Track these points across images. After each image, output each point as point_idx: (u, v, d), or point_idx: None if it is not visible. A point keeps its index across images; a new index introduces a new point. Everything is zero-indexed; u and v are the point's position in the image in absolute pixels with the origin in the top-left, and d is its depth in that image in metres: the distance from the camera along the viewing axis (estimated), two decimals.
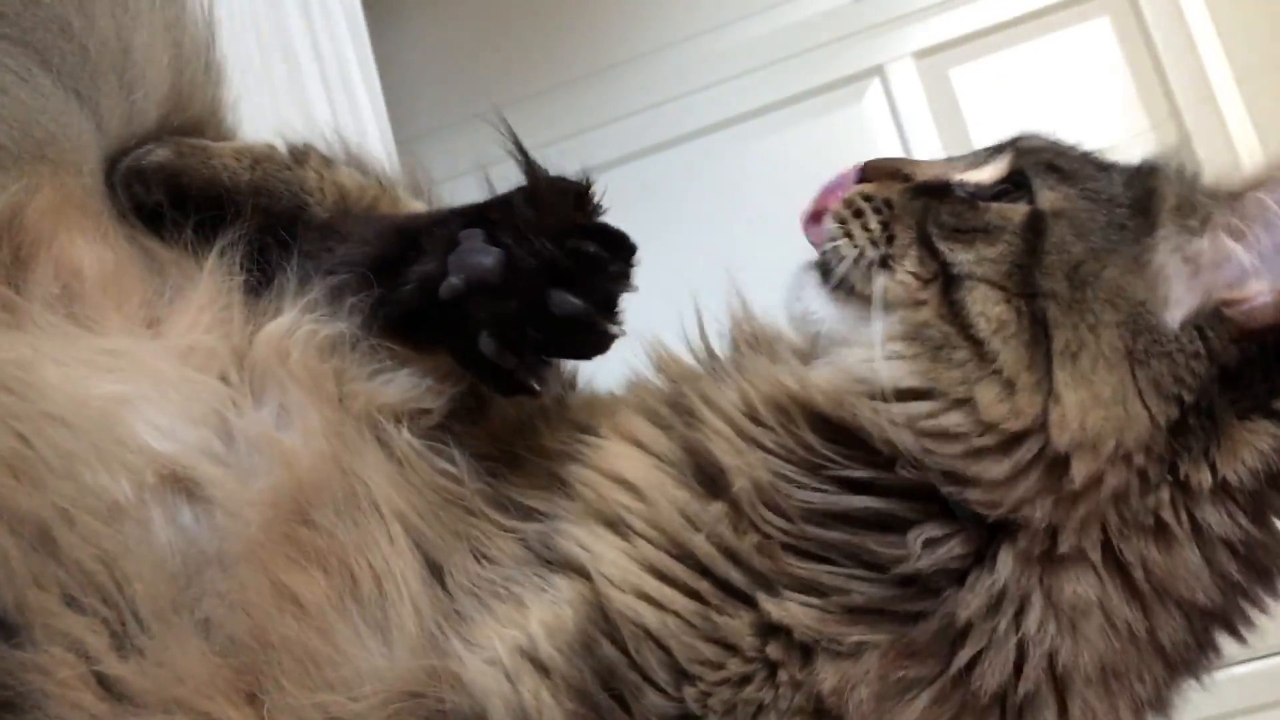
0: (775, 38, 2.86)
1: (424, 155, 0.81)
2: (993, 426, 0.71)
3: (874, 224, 0.83)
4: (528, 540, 0.79)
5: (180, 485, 0.70)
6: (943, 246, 0.79)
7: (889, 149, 2.77)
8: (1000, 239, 0.78)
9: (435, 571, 0.76)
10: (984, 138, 2.74)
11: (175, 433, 0.72)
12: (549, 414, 0.91)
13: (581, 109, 2.86)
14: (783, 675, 0.70)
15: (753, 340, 0.84)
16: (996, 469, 0.71)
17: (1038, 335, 0.73)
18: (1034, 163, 0.83)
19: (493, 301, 0.74)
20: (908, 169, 0.88)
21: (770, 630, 0.71)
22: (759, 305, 0.87)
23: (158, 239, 0.83)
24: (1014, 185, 0.83)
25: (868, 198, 0.84)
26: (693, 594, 0.73)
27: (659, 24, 2.95)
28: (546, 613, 0.74)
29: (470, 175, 0.86)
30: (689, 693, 0.70)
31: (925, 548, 0.70)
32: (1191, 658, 0.73)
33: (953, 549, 0.70)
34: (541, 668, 0.71)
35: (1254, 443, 0.70)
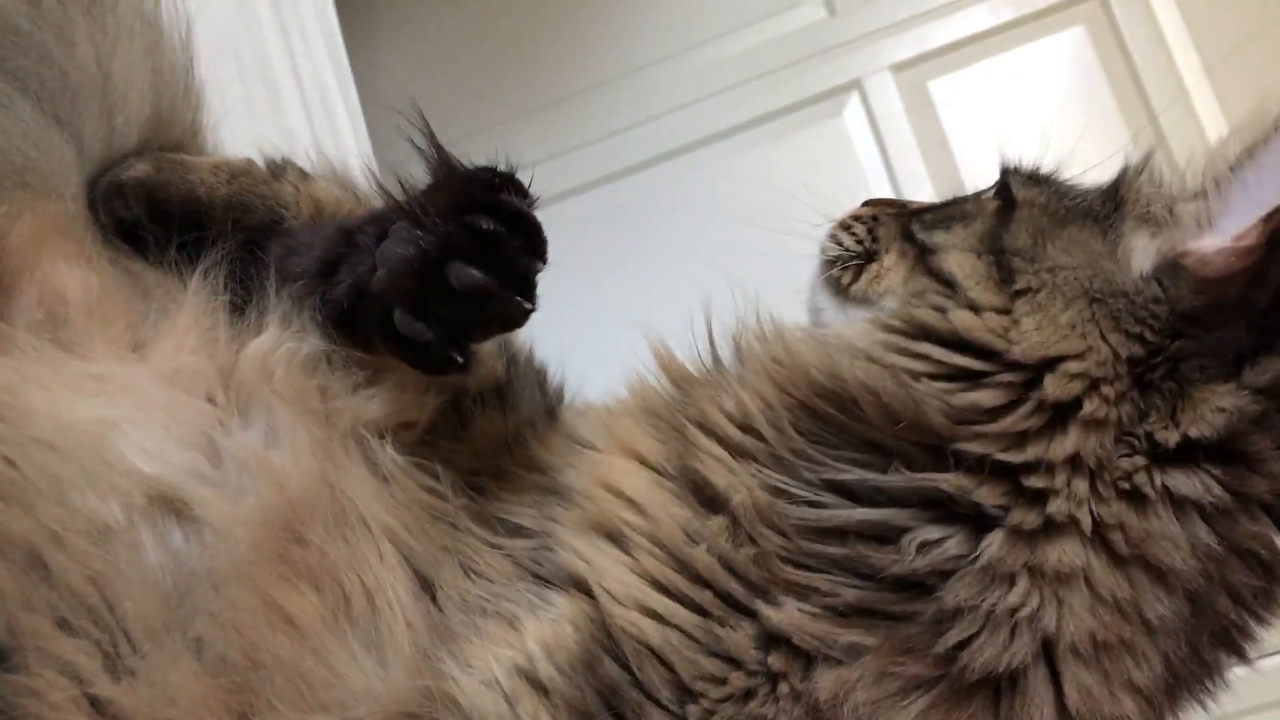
0: (753, 54, 2.87)
1: (408, 177, 0.81)
2: (967, 341, 0.76)
3: (859, 229, 0.96)
4: (516, 557, 0.79)
5: (170, 506, 0.70)
6: (922, 234, 0.89)
7: (870, 162, 2.79)
8: (975, 220, 0.87)
9: (426, 587, 0.76)
10: (964, 148, 2.77)
11: (163, 455, 0.72)
12: (537, 427, 0.91)
13: (561, 131, 2.87)
14: (783, 687, 0.69)
15: (759, 340, 0.84)
16: (983, 396, 0.74)
17: (1004, 279, 0.79)
18: (1015, 175, 0.91)
19: (400, 279, 0.75)
20: (904, 202, 1.02)
21: (771, 640, 0.70)
22: (749, 316, 0.87)
23: (141, 260, 0.83)
24: (996, 195, 0.91)
25: (857, 217, 0.99)
26: (695, 607, 0.73)
27: (636, 45, 2.96)
28: (545, 631, 0.73)
29: None
30: (692, 710, 0.70)
31: (919, 550, 0.70)
32: (1183, 652, 0.72)
33: (947, 550, 0.70)
34: (540, 688, 0.71)
35: (1217, 402, 0.71)
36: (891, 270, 0.90)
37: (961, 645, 0.69)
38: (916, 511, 0.72)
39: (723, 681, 0.70)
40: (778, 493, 0.74)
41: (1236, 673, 0.77)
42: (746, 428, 0.78)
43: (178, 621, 0.67)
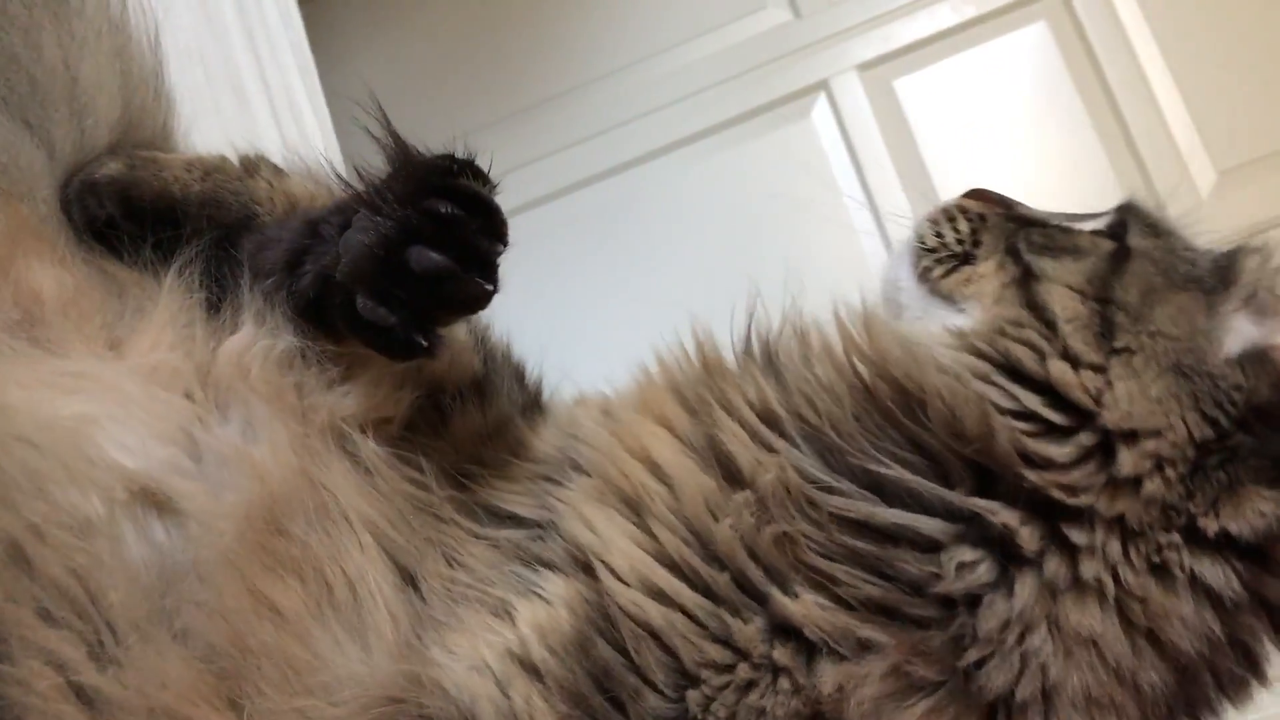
0: (719, 58, 2.89)
1: (367, 167, 0.82)
2: (1058, 392, 0.76)
3: (963, 226, 0.94)
4: (502, 546, 0.79)
5: (151, 501, 0.70)
6: (1029, 256, 0.87)
7: (839, 162, 2.80)
8: (1086, 259, 0.85)
9: (408, 578, 0.76)
10: (931, 146, 2.79)
11: (144, 450, 0.72)
12: (519, 420, 0.91)
13: (527, 140, 2.88)
14: (784, 682, 0.70)
15: (799, 337, 0.85)
16: (1058, 450, 0.75)
17: (1105, 333, 0.79)
18: (1135, 218, 0.91)
19: (362, 265, 0.76)
20: (1012, 202, 0.99)
21: (779, 632, 0.71)
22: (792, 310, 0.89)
23: (116, 260, 0.83)
24: (1109, 234, 0.90)
25: (964, 209, 0.96)
26: (704, 589, 0.73)
27: (600, 52, 2.97)
28: (539, 613, 0.73)
29: None
30: (692, 696, 0.70)
31: (958, 571, 0.72)
32: (1160, 716, 0.74)
33: (980, 575, 0.72)
34: (533, 671, 0.71)
35: (1260, 505, 0.73)
36: (985, 279, 0.89)
37: (976, 664, 0.71)
38: (950, 526, 0.73)
39: (728, 669, 0.70)
40: (809, 477, 0.75)
41: None
42: (768, 417, 0.79)
43: (162, 612, 0.67)
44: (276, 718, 0.67)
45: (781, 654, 0.70)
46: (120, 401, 0.74)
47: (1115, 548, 0.73)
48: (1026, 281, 0.85)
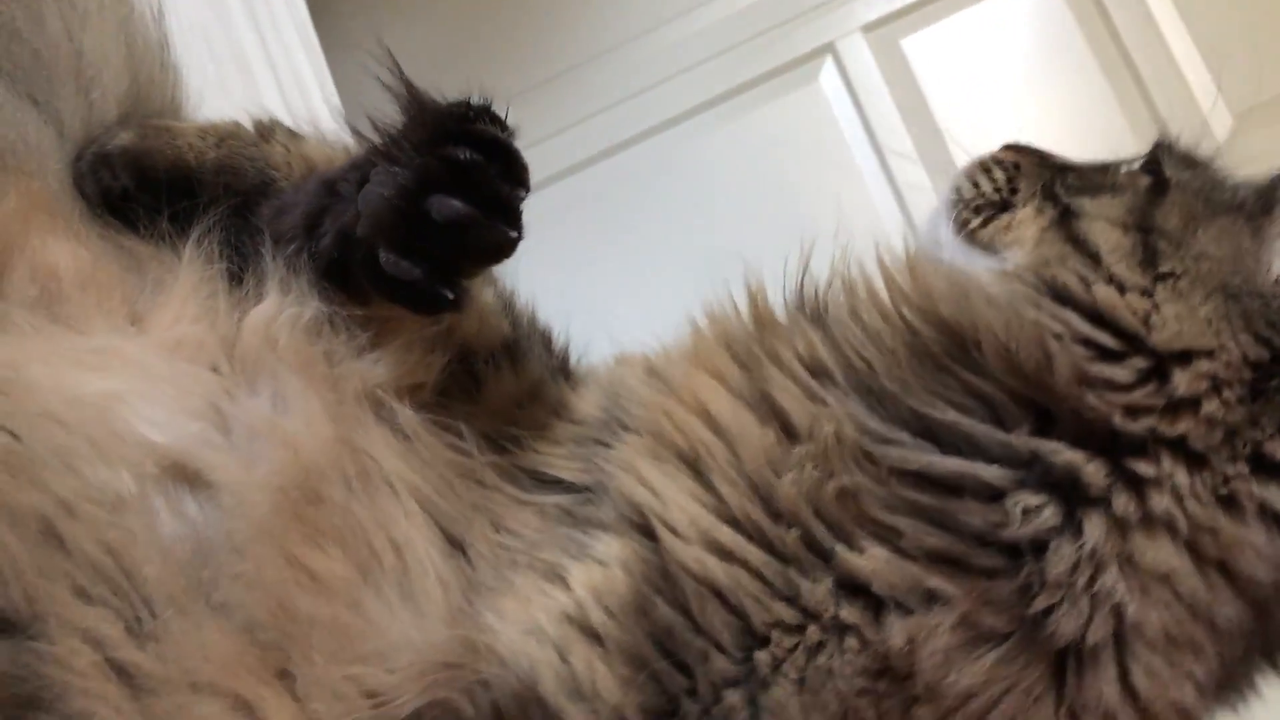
0: (722, 27, 2.86)
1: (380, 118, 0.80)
2: (1105, 316, 0.76)
3: (999, 175, 0.95)
4: (548, 511, 0.78)
5: (183, 475, 0.68)
6: (1067, 197, 0.88)
7: (849, 125, 2.77)
8: (1124, 194, 0.86)
9: (456, 544, 0.74)
10: (942, 104, 2.75)
11: (173, 425, 0.70)
12: (553, 383, 0.89)
13: (537, 117, 2.85)
14: (851, 640, 0.68)
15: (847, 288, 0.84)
16: (1116, 371, 0.74)
17: (1148, 260, 0.78)
18: (1169, 154, 0.90)
19: (382, 219, 0.73)
20: (1046, 152, 0.99)
21: (846, 589, 0.69)
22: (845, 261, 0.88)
23: (132, 234, 0.81)
24: (1146, 170, 0.90)
25: (999, 160, 0.97)
26: (768, 545, 0.71)
27: (602, 27, 2.94)
28: (594, 575, 0.71)
29: None
30: (760, 657, 0.68)
31: (1024, 516, 0.70)
32: (1237, 655, 0.73)
33: (1046, 520, 0.70)
34: (592, 635, 0.69)
35: None
36: (1024, 224, 0.89)
37: (1044, 612, 0.69)
38: (1011, 472, 0.72)
39: (798, 630, 0.68)
40: (864, 429, 0.73)
41: None
42: (818, 370, 0.77)
43: (200, 586, 0.65)
44: (328, 686, 0.65)
45: (849, 612, 0.68)
46: (146, 377, 0.72)
47: (1183, 479, 0.71)
48: (1066, 220, 0.85)
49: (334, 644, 0.66)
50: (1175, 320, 0.75)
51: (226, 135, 0.87)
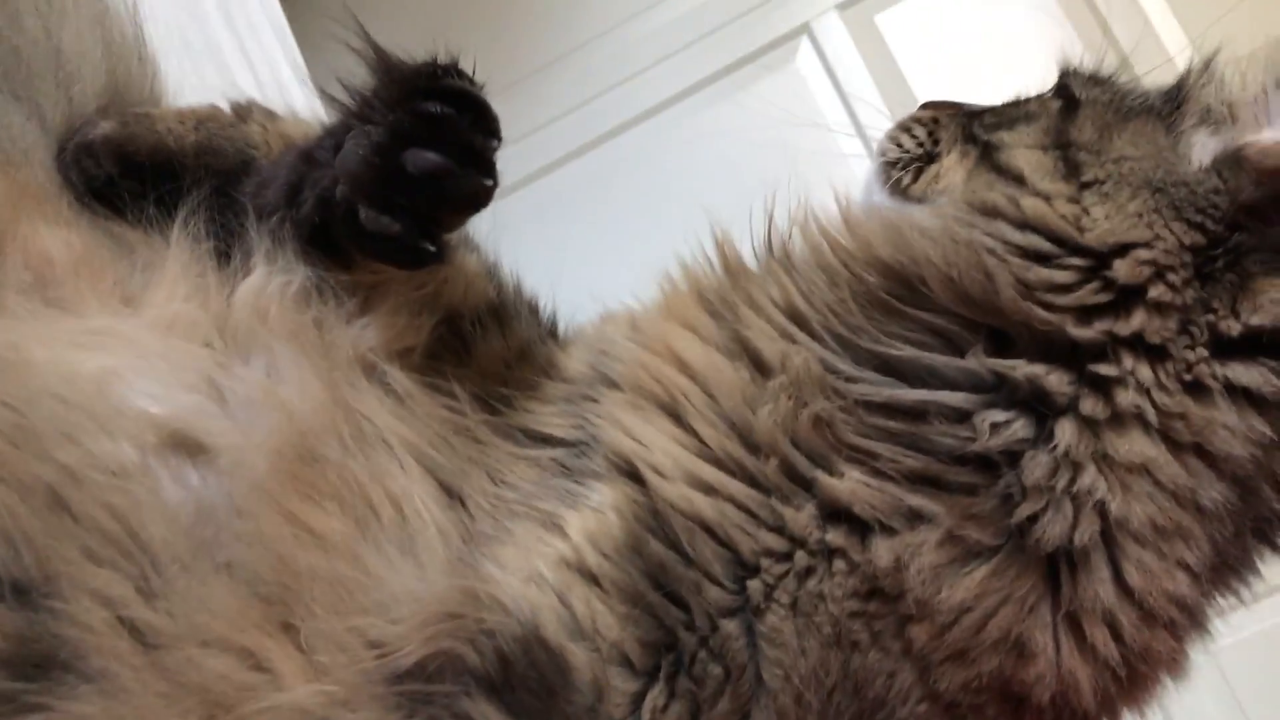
0: (696, 15, 2.88)
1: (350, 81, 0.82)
2: (1035, 225, 0.78)
3: (920, 132, 0.99)
4: (543, 464, 0.80)
5: (181, 444, 0.70)
6: (985, 135, 0.91)
7: (828, 104, 2.79)
8: (1038, 120, 0.88)
9: (453, 495, 0.76)
10: (920, 77, 2.76)
11: (169, 398, 0.72)
12: (542, 344, 0.91)
13: (516, 114, 2.86)
14: (839, 563, 0.70)
15: (813, 225, 0.86)
16: (1059, 274, 0.76)
17: (1071, 172, 0.81)
18: (1076, 77, 0.93)
19: (359, 177, 0.75)
20: (961, 103, 1.03)
21: (830, 514, 0.71)
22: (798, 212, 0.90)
23: (120, 220, 0.82)
24: (1056, 95, 0.93)
25: (917, 119, 1.01)
26: (749, 479, 0.73)
27: (574, 23, 2.95)
28: (589, 521, 0.74)
29: None
30: (753, 586, 0.70)
31: (993, 430, 0.72)
32: (1229, 536, 0.74)
33: (1016, 432, 0.72)
34: (590, 576, 0.71)
35: (1275, 294, 0.74)
36: (952, 170, 0.92)
37: (1028, 520, 0.71)
38: (974, 396, 0.74)
39: (785, 557, 0.71)
40: (830, 368, 0.75)
41: None
42: (792, 313, 0.79)
43: (204, 547, 0.67)
44: (333, 638, 0.66)
45: (835, 536, 0.70)
46: (141, 354, 0.73)
47: (1145, 373, 0.73)
48: (989, 155, 0.88)
49: (335, 597, 0.67)
50: (1105, 219, 0.77)
51: (205, 118, 0.89)
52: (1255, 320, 0.74)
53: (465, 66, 0.79)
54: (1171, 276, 0.75)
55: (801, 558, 0.70)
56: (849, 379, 0.75)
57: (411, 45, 0.79)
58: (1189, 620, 0.74)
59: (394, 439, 0.76)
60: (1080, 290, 0.75)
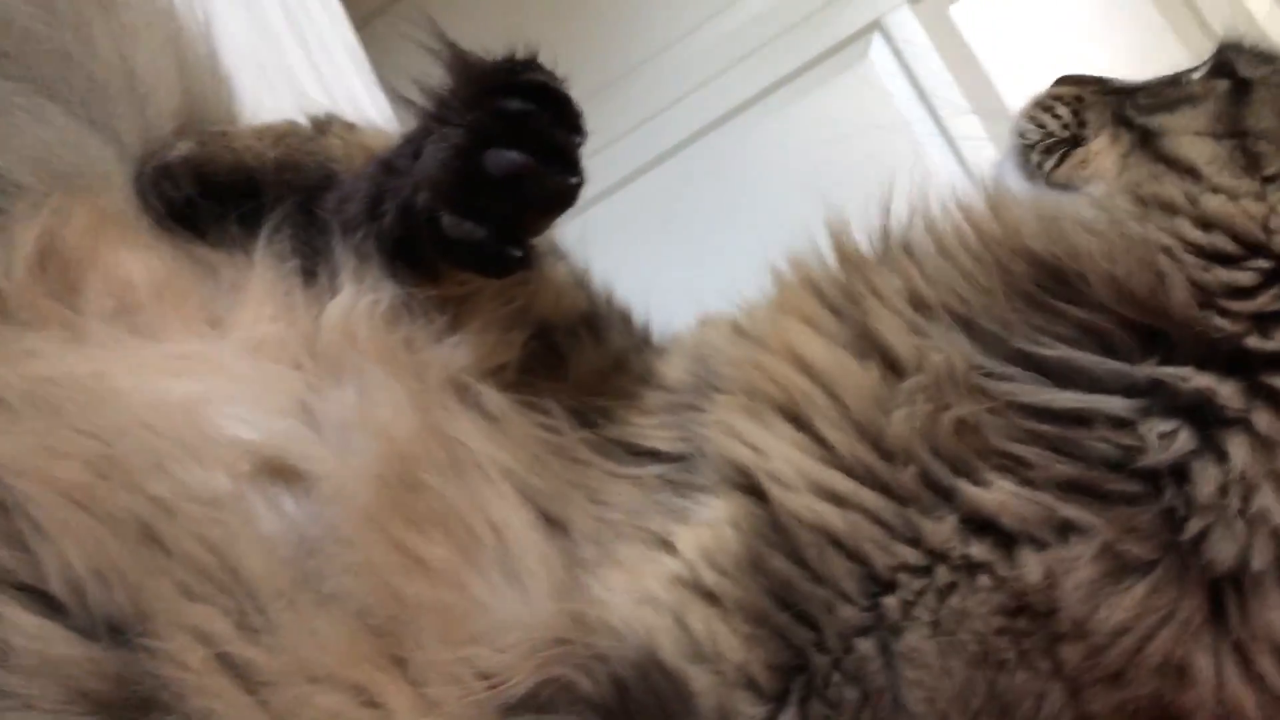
0: (766, 17, 2.84)
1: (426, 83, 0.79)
2: (1219, 225, 0.72)
3: (1062, 111, 0.91)
4: (646, 482, 0.76)
5: (277, 472, 0.68)
6: (1142, 118, 0.84)
7: (905, 99, 2.73)
8: (1204, 104, 0.82)
9: (554, 521, 0.73)
10: (998, 67, 2.69)
11: (261, 423, 0.70)
12: (640, 354, 0.88)
13: (592, 126, 2.85)
14: (983, 579, 0.65)
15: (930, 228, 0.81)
16: (1241, 275, 0.70)
17: (1251, 165, 0.75)
18: (1237, 53, 0.88)
19: (439, 182, 0.73)
20: (1103, 78, 0.95)
21: (973, 526, 0.66)
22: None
23: (201, 241, 0.81)
24: (1219, 74, 0.87)
25: (1057, 96, 0.93)
26: (886, 489, 0.68)
27: (646, 32, 2.94)
28: (702, 537, 0.69)
29: None
30: (888, 603, 0.65)
31: (1161, 440, 0.66)
32: None
33: (1183, 443, 0.66)
34: (707, 595, 0.67)
35: None
36: (1101, 155, 0.86)
37: (1196, 539, 0.65)
38: (1134, 402, 0.68)
39: (925, 572, 0.65)
40: (975, 364, 0.70)
41: None
42: (922, 305, 0.74)
43: (306, 579, 0.64)
44: (442, 668, 0.63)
45: (979, 549, 0.65)
46: (230, 378, 0.71)
47: None
48: (1149, 142, 0.81)
49: (443, 627, 0.65)
50: None
51: (284, 134, 0.87)
52: None
53: (545, 61, 0.76)
54: None
55: (943, 573, 0.65)
56: (999, 378, 0.69)
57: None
58: None
59: (489, 464, 0.73)
60: (1263, 296, 0.70)
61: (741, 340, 0.81)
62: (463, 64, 0.77)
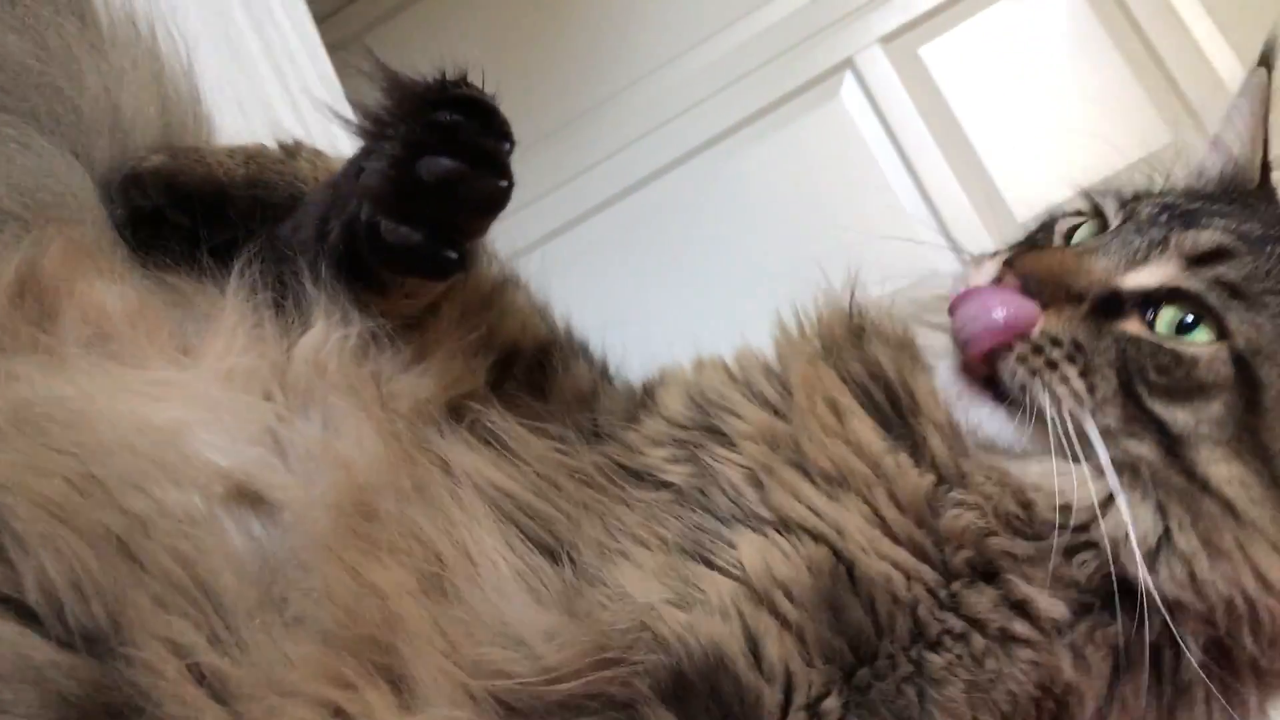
0: (739, 52, 2.87)
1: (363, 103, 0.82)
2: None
3: (1072, 376, 0.76)
4: (658, 505, 0.79)
5: (245, 497, 0.70)
6: (1158, 408, 0.75)
7: (874, 138, 2.77)
8: (1217, 398, 0.75)
9: (541, 542, 0.76)
10: (966, 110, 2.70)
11: (234, 450, 0.72)
12: (605, 386, 0.92)
13: (560, 160, 2.88)
14: (1022, 651, 0.72)
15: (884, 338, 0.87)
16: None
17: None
18: (1205, 279, 0.78)
19: (376, 192, 0.77)
20: (1069, 279, 0.80)
21: (1015, 606, 0.73)
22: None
23: (173, 271, 0.83)
24: (1191, 311, 0.78)
25: (1056, 341, 0.77)
26: (940, 566, 0.74)
27: (616, 67, 2.96)
28: (775, 566, 0.74)
29: None
30: (934, 660, 0.71)
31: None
32: None
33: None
34: (783, 620, 0.72)
35: None
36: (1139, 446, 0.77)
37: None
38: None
39: (964, 638, 0.72)
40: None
41: None
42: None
43: (273, 600, 0.67)
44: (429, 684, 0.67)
45: (1021, 627, 0.73)
46: (206, 405, 0.74)
47: None
48: (1165, 441, 0.75)
49: (418, 647, 0.68)
50: None
51: (254, 154, 0.90)
52: None
53: (474, 78, 0.81)
54: None
55: (978, 641, 0.72)
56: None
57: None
58: None
59: (470, 486, 0.77)
60: None
61: (753, 407, 0.84)
62: (397, 85, 0.81)
